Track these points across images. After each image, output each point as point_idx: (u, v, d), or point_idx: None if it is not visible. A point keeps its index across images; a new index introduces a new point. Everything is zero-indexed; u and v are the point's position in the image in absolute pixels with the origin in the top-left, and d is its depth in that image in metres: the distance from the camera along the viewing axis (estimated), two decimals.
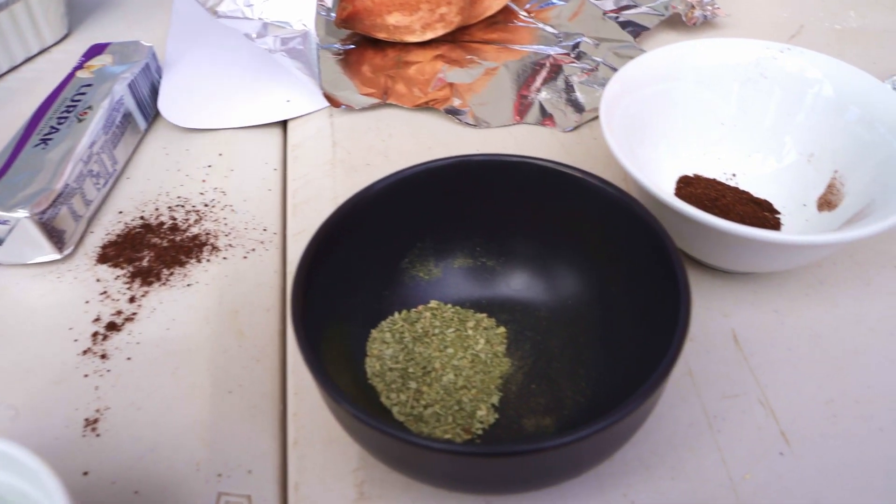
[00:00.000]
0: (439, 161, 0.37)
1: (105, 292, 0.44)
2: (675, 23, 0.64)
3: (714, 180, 0.45)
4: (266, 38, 0.56)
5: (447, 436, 0.34)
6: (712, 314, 0.41)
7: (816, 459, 0.35)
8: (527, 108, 0.54)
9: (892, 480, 0.34)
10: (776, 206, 0.44)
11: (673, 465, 0.35)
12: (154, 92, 0.55)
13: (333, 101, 0.54)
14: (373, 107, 0.54)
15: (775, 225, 0.43)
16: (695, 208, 0.36)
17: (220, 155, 0.52)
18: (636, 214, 0.34)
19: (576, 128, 0.53)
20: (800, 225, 0.43)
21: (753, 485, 0.34)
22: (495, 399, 0.36)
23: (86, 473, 0.36)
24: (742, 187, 0.45)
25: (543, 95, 0.54)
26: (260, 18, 0.56)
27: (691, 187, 0.44)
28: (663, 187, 0.41)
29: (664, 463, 0.35)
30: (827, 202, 0.43)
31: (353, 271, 0.37)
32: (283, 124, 0.55)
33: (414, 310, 0.39)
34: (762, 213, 0.43)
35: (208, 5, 0.55)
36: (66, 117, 0.48)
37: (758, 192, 0.45)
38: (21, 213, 0.42)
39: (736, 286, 0.42)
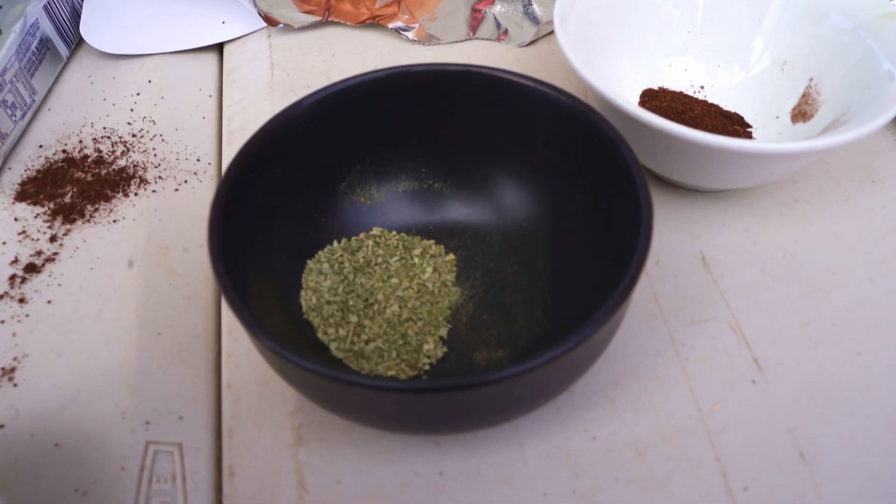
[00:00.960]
0: (377, 72, 0.33)
1: (24, 232, 0.40)
2: None
3: (680, 93, 0.42)
4: None
5: (391, 372, 0.31)
6: (680, 236, 0.38)
7: (791, 387, 0.32)
8: (480, 22, 0.50)
9: (871, 407, 0.32)
10: (747, 118, 0.41)
11: (638, 396, 0.32)
12: (76, 15, 0.51)
13: (271, 21, 0.49)
14: (314, 25, 0.50)
15: (746, 138, 0.39)
16: (660, 118, 0.32)
17: (150, 82, 0.48)
18: (592, 123, 0.31)
19: (532, 42, 0.49)
20: (773, 138, 0.40)
21: (724, 415, 0.32)
22: (444, 331, 0.33)
23: (1, 426, 0.33)
24: (711, 100, 0.42)
25: (498, 9, 0.50)
26: None
27: (656, 101, 0.40)
28: (627, 99, 0.38)
29: (628, 394, 0.32)
30: (801, 113, 0.40)
31: (283, 197, 0.33)
32: (219, 47, 0.51)
33: (355, 238, 0.35)
34: (732, 127, 0.40)
35: None
36: None
37: (727, 104, 0.42)
38: None
39: (705, 205, 0.39)
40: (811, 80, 0.40)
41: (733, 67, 0.42)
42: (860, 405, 0.32)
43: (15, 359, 0.35)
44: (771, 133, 0.40)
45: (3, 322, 0.37)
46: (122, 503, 0.30)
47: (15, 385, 0.34)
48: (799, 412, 0.32)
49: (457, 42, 0.49)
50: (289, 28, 0.50)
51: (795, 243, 0.37)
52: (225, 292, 0.26)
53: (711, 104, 0.41)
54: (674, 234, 0.38)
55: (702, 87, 0.43)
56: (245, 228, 0.30)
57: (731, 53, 0.42)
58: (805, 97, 0.40)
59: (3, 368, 0.35)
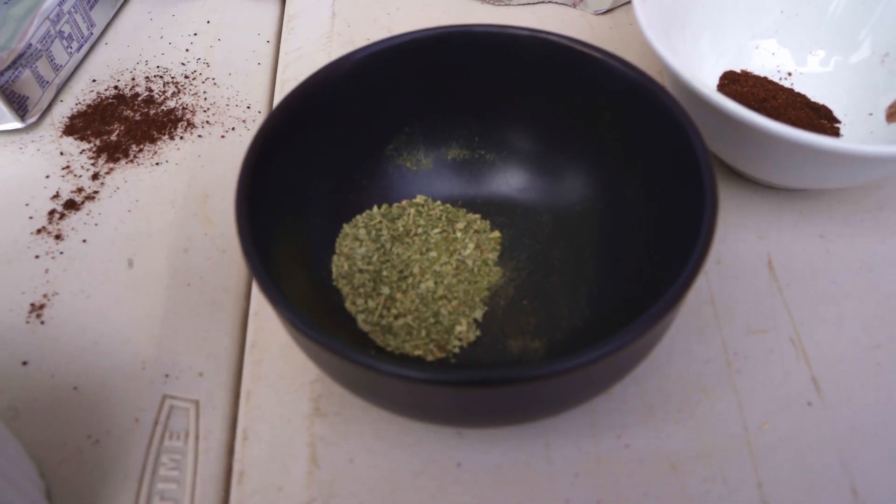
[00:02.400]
0: (433, 30, 0.31)
1: (68, 167, 0.40)
2: None
3: (765, 78, 0.38)
4: None
5: (418, 352, 0.29)
6: (746, 234, 0.35)
7: (851, 414, 0.30)
8: None
9: None
10: (836, 113, 0.37)
11: (679, 406, 0.30)
12: None
13: None
14: None
15: (833, 134, 0.36)
16: (738, 105, 0.29)
17: (209, 23, 0.46)
18: (661, 104, 0.28)
19: (609, 10, 0.45)
20: (862, 136, 0.36)
21: (772, 437, 0.29)
22: (479, 314, 0.31)
23: (25, 363, 0.33)
24: (798, 89, 0.38)
25: None
26: None
27: (737, 85, 0.37)
28: (704, 82, 0.35)
29: (669, 403, 0.30)
30: None
31: (324, 153, 0.31)
32: None
33: (396, 204, 0.33)
34: (818, 121, 0.36)
35: None
36: None
37: (816, 95, 0.38)
38: None
39: (778, 204, 0.36)
40: None
41: (827, 55, 0.39)
42: None
43: (45, 296, 0.35)
44: (861, 132, 0.36)
45: (37, 257, 0.36)
46: (133, 455, 0.30)
47: (42, 322, 0.34)
48: (856, 443, 0.29)
49: (528, 4, 0.46)
50: None
51: (874, 255, 0.34)
52: (244, 250, 0.24)
53: (798, 93, 0.38)
54: (739, 233, 0.35)
55: (789, 74, 0.39)
56: (279, 182, 0.29)
57: (826, 39, 0.39)
58: None
59: (32, 304, 0.34)
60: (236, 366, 0.33)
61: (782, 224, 0.35)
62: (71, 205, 0.38)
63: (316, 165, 0.31)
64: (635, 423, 0.29)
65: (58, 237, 0.37)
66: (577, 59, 0.30)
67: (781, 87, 0.38)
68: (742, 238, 0.35)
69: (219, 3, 0.48)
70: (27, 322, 0.34)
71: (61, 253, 0.36)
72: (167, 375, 0.32)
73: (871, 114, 0.37)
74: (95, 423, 0.31)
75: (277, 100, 0.42)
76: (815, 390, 0.30)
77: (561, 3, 0.46)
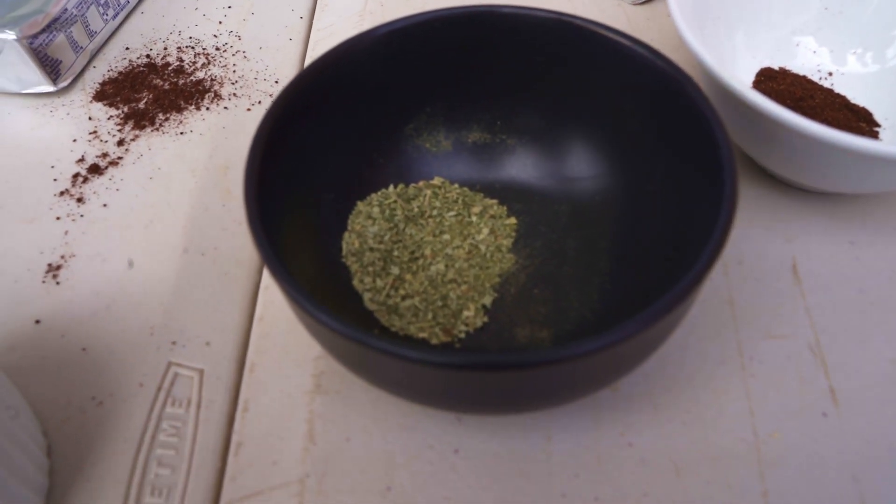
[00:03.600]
0: (461, 8, 0.30)
1: (95, 132, 0.40)
2: None
3: (803, 77, 0.37)
4: None
5: (423, 334, 0.29)
6: (772, 236, 0.34)
7: (867, 428, 0.28)
8: None
9: None
10: (877, 116, 0.36)
11: (688, 407, 0.29)
12: None
13: None
14: None
15: (871, 138, 0.34)
16: (769, 101, 0.28)
17: None
18: (686, 95, 0.27)
19: (647, 1, 0.44)
20: None
21: (782, 446, 0.28)
22: (488, 300, 0.30)
23: (37, 322, 0.33)
24: (838, 90, 0.37)
25: None
26: None
27: (773, 82, 0.36)
28: (738, 77, 0.34)
29: (677, 403, 0.29)
30: None
31: (341, 129, 0.31)
32: None
33: (413, 185, 0.33)
34: (857, 123, 0.35)
35: None
36: None
37: (856, 97, 0.37)
38: (9, 35, 0.38)
39: (807, 207, 0.35)
40: None
41: (870, 55, 0.37)
42: None
43: (62, 257, 0.35)
44: None
45: (58, 219, 0.36)
46: (134, 419, 0.30)
47: (58, 283, 0.34)
48: (870, 458, 0.28)
49: None
50: None
51: None
52: (249, 220, 0.24)
53: (837, 94, 0.36)
54: (765, 234, 0.34)
55: (829, 74, 0.38)
56: (292, 155, 0.28)
57: (870, 39, 0.37)
58: None
59: (49, 265, 0.35)
60: (243, 338, 0.32)
61: (811, 228, 0.34)
62: (95, 169, 0.38)
63: (332, 140, 0.31)
64: (640, 421, 0.29)
65: (79, 200, 0.37)
66: (603, 44, 0.30)
67: (820, 87, 0.36)
68: (768, 239, 0.33)
69: None
70: (43, 282, 0.34)
71: (81, 216, 0.37)
72: (174, 343, 0.32)
73: None
74: (101, 385, 0.31)
75: None
76: (832, 401, 0.29)
77: None
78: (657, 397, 0.29)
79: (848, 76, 0.37)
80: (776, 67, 0.37)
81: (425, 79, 0.32)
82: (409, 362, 0.22)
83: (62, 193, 0.37)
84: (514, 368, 0.22)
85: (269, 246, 0.24)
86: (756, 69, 0.37)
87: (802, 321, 0.31)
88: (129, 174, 0.38)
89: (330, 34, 0.43)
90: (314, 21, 0.45)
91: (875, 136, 0.35)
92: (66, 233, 0.36)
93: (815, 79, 0.37)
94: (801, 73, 0.37)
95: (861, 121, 0.35)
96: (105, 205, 0.37)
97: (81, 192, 0.37)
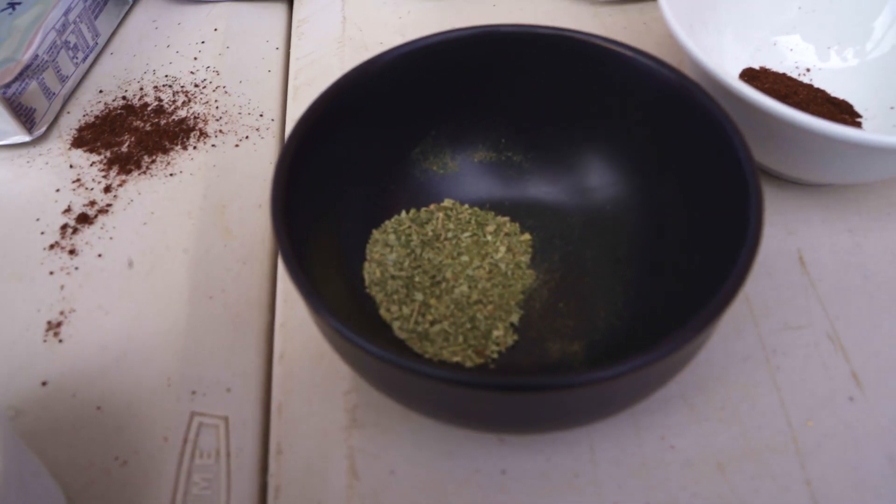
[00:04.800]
0: (460, 31, 0.31)
1: (78, 180, 0.39)
2: None
3: (784, 75, 0.38)
4: None
5: (456, 358, 0.29)
6: (776, 230, 0.35)
7: (893, 407, 0.29)
8: None
9: None
10: (857, 108, 0.37)
11: (721, 405, 0.30)
12: None
13: None
14: None
15: None
16: (764, 96, 0.29)
17: (216, 30, 0.46)
18: (697, 101, 0.28)
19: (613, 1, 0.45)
20: (885, 130, 0.36)
21: (817, 434, 0.29)
22: (515, 318, 0.30)
23: (44, 384, 0.32)
24: (817, 85, 0.38)
25: None
26: None
27: (757, 82, 0.37)
28: (731, 74, 0.35)
29: (711, 402, 0.30)
30: None
31: (352, 159, 0.31)
32: None
33: (425, 209, 0.33)
34: (840, 116, 0.36)
35: None
36: None
37: (835, 91, 0.38)
38: None
39: (804, 200, 0.36)
40: None
41: (846, 50, 0.39)
42: None
43: (62, 313, 0.34)
44: (884, 125, 0.36)
45: (51, 273, 0.35)
46: (163, 476, 0.29)
47: (60, 341, 0.33)
48: None
49: None
50: None
51: None
52: (284, 258, 0.24)
53: (818, 89, 0.38)
54: (768, 229, 0.35)
55: (807, 70, 0.39)
56: (310, 190, 0.28)
57: (845, 35, 0.39)
58: None
59: (49, 322, 0.33)
60: (265, 379, 0.32)
61: (810, 220, 0.35)
62: (84, 219, 0.37)
63: (344, 170, 0.30)
64: (678, 423, 0.29)
65: (72, 252, 0.36)
66: (605, 57, 0.30)
67: (801, 84, 0.37)
68: (772, 235, 0.34)
69: (225, 10, 0.47)
70: (45, 341, 0.33)
71: (76, 268, 0.35)
72: (194, 392, 0.31)
73: (892, 107, 0.37)
74: (122, 444, 0.30)
75: (291, 107, 0.41)
76: (857, 385, 0.30)
77: None
78: (691, 398, 0.30)
79: (826, 71, 0.39)
80: (757, 67, 0.38)
81: (428, 102, 0.32)
82: (463, 386, 0.22)
83: (52, 247, 0.36)
84: (564, 389, 0.22)
85: (307, 280, 0.23)
86: (739, 70, 0.38)
87: (817, 310, 0.32)
88: (122, 221, 0.37)
89: (310, 62, 0.43)
90: (291, 51, 0.44)
91: (858, 126, 0.36)
92: (62, 287, 0.35)
93: (794, 76, 0.39)
94: (781, 70, 0.39)
95: (843, 113, 0.36)
96: (100, 255, 0.36)
97: (73, 244, 0.36)
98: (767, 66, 0.39)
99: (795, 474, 0.28)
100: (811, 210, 0.35)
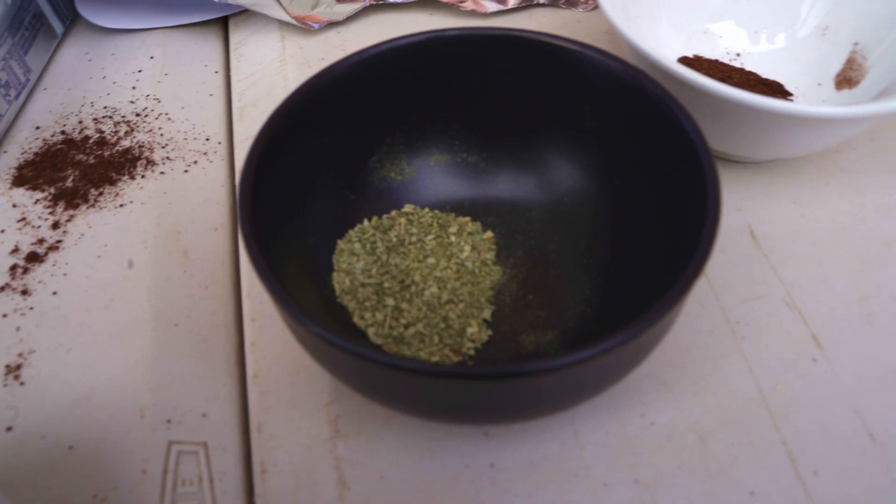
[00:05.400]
0: (408, 38, 0.31)
1: (23, 219, 0.38)
2: None
3: (717, 61, 0.40)
4: None
5: (434, 358, 0.29)
6: (725, 209, 0.36)
7: (853, 365, 0.31)
8: None
9: None
10: (788, 87, 0.39)
11: (693, 378, 0.30)
12: None
13: (308, 22, 0.45)
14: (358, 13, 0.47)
15: None
16: (705, 77, 0.30)
17: (152, 58, 0.45)
18: (644, 89, 0.29)
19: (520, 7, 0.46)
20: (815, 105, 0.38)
21: (786, 396, 0.30)
22: (487, 314, 0.31)
23: (9, 429, 0.31)
24: (748, 68, 0.40)
25: None
26: None
27: (692, 69, 0.38)
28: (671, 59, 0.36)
29: (683, 377, 0.30)
30: (847, 79, 0.38)
31: (311, 174, 0.31)
32: (223, 20, 0.48)
33: (386, 216, 0.33)
34: (773, 95, 0.38)
35: None
36: None
37: (766, 73, 0.40)
38: None
39: (749, 177, 0.37)
40: (856, 45, 0.38)
41: (772, 34, 0.41)
42: None
43: (20, 355, 0.33)
44: (814, 101, 0.38)
45: (5, 316, 0.34)
46: None
47: (22, 384, 0.32)
48: (865, 391, 0.30)
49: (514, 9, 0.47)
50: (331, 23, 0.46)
51: (846, 214, 0.36)
52: (261, 276, 0.24)
53: (749, 72, 0.39)
54: None
55: (738, 55, 0.41)
56: (273, 207, 0.28)
57: (770, 19, 0.40)
58: (850, 62, 0.38)
59: (7, 366, 0.32)
60: (240, 401, 0.31)
61: (756, 195, 0.36)
62: (34, 257, 0.36)
63: (305, 185, 0.30)
64: (655, 400, 0.30)
65: (24, 292, 0.35)
66: (551, 53, 0.31)
67: (734, 68, 0.39)
68: (723, 212, 0.36)
69: (159, 37, 0.46)
70: (4, 385, 0.32)
71: (31, 308, 0.34)
72: (169, 420, 0.31)
73: (820, 84, 0.39)
74: (100, 481, 0.29)
75: (237, 128, 0.41)
76: (818, 346, 0.31)
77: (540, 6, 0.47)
78: (664, 375, 0.30)
79: (755, 55, 0.40)
80: (691, 56, 0.40)
81: (381, 111, 0.32)
82: (440, 378, 0.22)
83: (2, 289, 0.35)
84: (554, 371, 0.22)
85: (286, 293, 0.23)
86: (674, 59, 0.40)
87: (772, 280, 0.33)
88: (74, 256, 0.36)
89: (253, 83, 0.43)
90: (231, 73, 0.44)
91: None
92: (17, 328, 0.34)
93: (725, 61, 0.40)
94: (713, 57, 0.40)
95: (776, 93, 0.38)
96: (55, 292, 0.35)
97: (24, 284, 0.35)
98: (700, 54, 0.40)
99: (771, 437, 0.29)
100: (756, 186, 0.37)
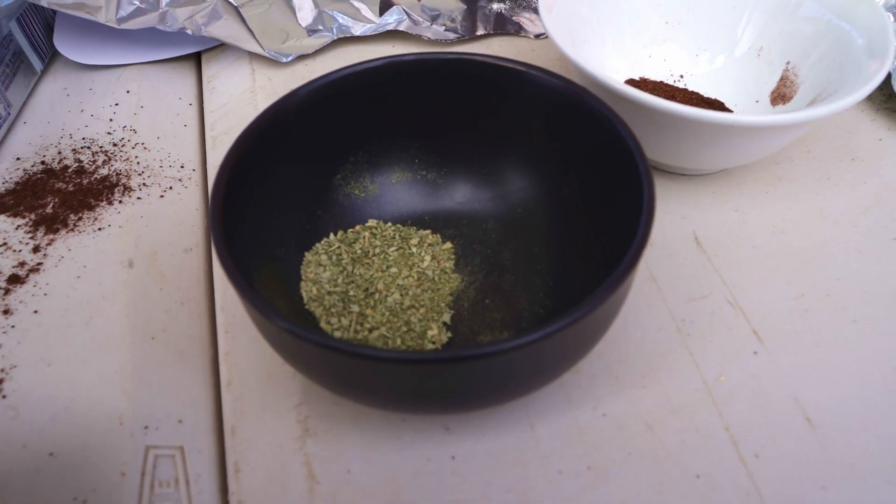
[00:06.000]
0: (367, 63, 0.33)
1: (4, 244, 0.39)
2: None
3: (661, 83, 0.42)
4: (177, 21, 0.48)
5: None
6: (671, 217, 0.38)
7: (792, 356, 0.33)
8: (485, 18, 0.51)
9: (870, 370, 0.32)
10: (728, 104, 0.42)
11: (643, 373, 0.32)
12: (49, 29, 0.50)
13: (280, 55, 0.48)
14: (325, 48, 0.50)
15: None
16: (647, 94, 0.33)
17: (128, 92, 0.47)
18: (585, 104, 0.31)
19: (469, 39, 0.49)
20: None
21: (729, 387, 0.32)
22: (447, 317, 0.33)
23: None
24: (691, 88, 0.43)
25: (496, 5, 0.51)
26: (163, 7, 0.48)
27: (639, 89, 0.41)
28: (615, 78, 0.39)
29: (633, 371, 0.32)
30: (781, 95, 0.40)
31: (279, 190, 0.33)
32: (196, 56, 0.50)
33: (351, 230, 0.35)
34: None
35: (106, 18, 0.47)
36: None
37: (707, 92, 0.43)
38: None
39: (693, 188, 0.40)
40: (788, 63, 0.41)
41: (711, 55, 0.43)
42: (859, 370, 0.32)
43: (2, 370, 0.34)
44: None
45: None
46: None
47: (4, 396, 0.33)
48: (802, 380, 0.32)
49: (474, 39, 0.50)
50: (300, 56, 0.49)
51: (783, 220, 0.38)
52: (236, 286, 0.25)
53: (692, 92, 0.42)
54: (665, 217, 0.38)
55: (681, 77, 0.44)
56: (244, 221, 0.30)
57: (708, 42, 0.43)
58: (783, 80, 0.41)
59: None
60: (215, 407, 0.33)
61: (700, 205, 0.39)
62: (15, 279, 0.38)
63: (274, 201, 0.32)
64: (606, 393, 0.32)
65: (6, 312, 0.36)
66: (499, 74, 0.33)
67: (678, 88, 0.42)
68: (668, 221, 0.38)
69: (135, 72, 0.48)
70: None
71: (13, 327, 0.36)
72: (146, 427, 0.32)
73: (757, 101, 0.41)
74: (80, 484, 0.30)
75: (211, 156, 0.43)
76: (758, 340, 0.33)
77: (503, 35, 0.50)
78: (615, 370, 0.32)
79: (697, 75, 0.43)
80: (637, 78, 0.43)
81: (344, 131, 0.35)
82: (411, 364, 0.24)
83: None
84: (507, 352, 0.24)
85: (261, 299, 0.25)
86: (621, 81, 0.42)
87: (715, 281, 0.36)
88: (54, 277, 0.38)
89: (224, 114, 0.45)
90: (204, 104, 0.46)
91: None
92: None
93: (670, 82, 0.43)
94: (658, 79, 0.43)
95: (716, 110, 0.41)
96: (36, 311, 0.36)
97: (6, 304, 0.37)
98: (646, 76, 0.43)
99: (715, 423, 0.31)
100: (701, 196, 0.39)
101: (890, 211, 0.38)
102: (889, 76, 0.42)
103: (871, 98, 0.44)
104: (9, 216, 0.41)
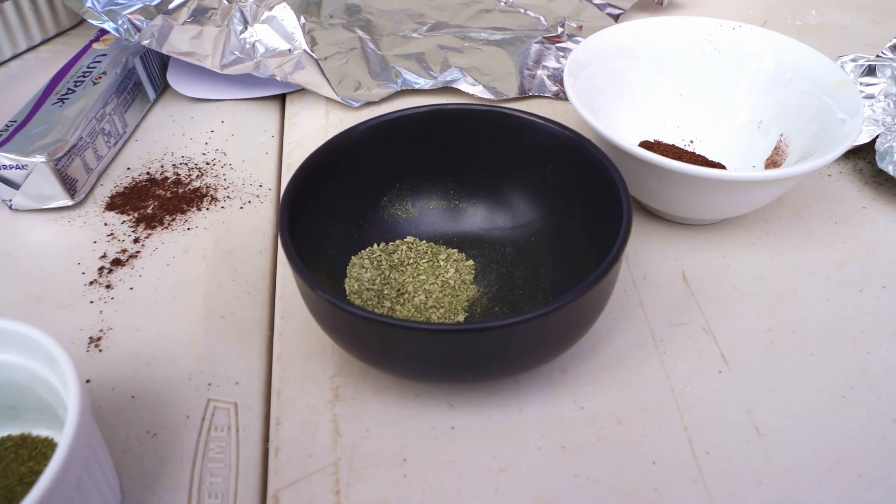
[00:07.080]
0: (415, 109, 0.41)
1: (112, 234, 0.48)
2: (647, 5, 0.70)
3: (673, 145, 0.49)
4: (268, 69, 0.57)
5: None
6: (665, 258, 0.45)
7: (752, 376, 0.38)
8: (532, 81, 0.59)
9: (820, 395, 0.37)
10: (728, 167, 0.48)
11: (621, 378, 0.38)
12: (164, 66, 0.60)
13: (352, 99, 0.57)
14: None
15: None
16: (651, 153, 0.40)
17: (223, 122, 0.57)
18: (587, 152, 0.38)
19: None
20: None
21: (693, 396, 0.38)
22: (461, 317, 0.39)
23: (88, 381, 0.40)
24: (699, 152, 0.49)
25: (541, 71, 0.59)
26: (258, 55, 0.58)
27: (651, 151, 0.48)
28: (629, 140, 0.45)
29: (612, 376, 0.38)
30: (773, 162, 0.47)
31: (335, 205, 0.41)
32: (282, 97, 0.60)
33: (392, 243, 0.43)
34: None
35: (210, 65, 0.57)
36: (82, 81, 0.53)
37: (713, 156, 0.49)
38: (39, 159, 0.47)
39: (689, 236, 0.46)
40: (782, 135, 0.47)
41: (718, 125, 0.50)
42: (810, 394, 0.38)
43: (101, 331, 0.42)
44: None
45: (92, 302, 0.44)
46: (186, 443, 0.37)
47: (100, 350, 0.41)
48: (757, 397, 0.37)
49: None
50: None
51: (764, 268, 0.44)
52: (290, 258, 0.33)
53: (699, 155, 0.49)
54: (660, 256, 0.45)
55: (692, 141, 0.50)
56: (305, 223, 0.38)
57: (716, 113, 0.50)
58: (777, 149, 0.47)
59: (90, 338, 0.42)
60: (266, 375, 0.40)
61: (693, 249, 0.45)
62: (117, 262, 0.46)
63: (330, 212, 0.40)
64: (587, 391, 0.38)
65: (108, 287, 0.45)
66: (523, 124, 0.41)
67: (686, 151, 0.49)
68: (663, 260, 0.44)
69: (229, 106, 0.58)
70: (87, 351, 0.41)
71: (112, 298, 0.44)
72: (210, 384, 0.39)
73: (753, 166, 0.48)
74: (153, 421, 0.38)
75: (285, 178, 0.51)
76: (724, 362, 0.39)
77: (544, 97, 0.58)
78: (597, 374, 0.39)
79: (705, 141, 0.50)
80: (652, 140, 0.49)
81: (393, 162, 0.42)
82: (424, 332, 0.31)
83: (92, 283, 0.45)
84: (498, 329, 0.31)
85: (317, 281, 0.33)
86: (636, 142, 0.49)
87: (695, 312, 0.41)
88: (148, 263, 0.46)
89: (300, 145, 0.54)
90: (284, 137, 0.55)
91: None
92: (100, 312, 0.43)
93: (681, 145, 0.50)
94: (671, 142, 0.50)
95: None
96: (131, 288, 0.45)
97: (109, 281, 0.45)
98: (660, 139, 0.50)
99: (675, 423, 0.36)
100: (694, 242, 0.45)
101: (862, 267, 0.44)
102: (875, 150, 0.47)
103: (860, 171, 0.50)
104: (117, 213, 0.49)
